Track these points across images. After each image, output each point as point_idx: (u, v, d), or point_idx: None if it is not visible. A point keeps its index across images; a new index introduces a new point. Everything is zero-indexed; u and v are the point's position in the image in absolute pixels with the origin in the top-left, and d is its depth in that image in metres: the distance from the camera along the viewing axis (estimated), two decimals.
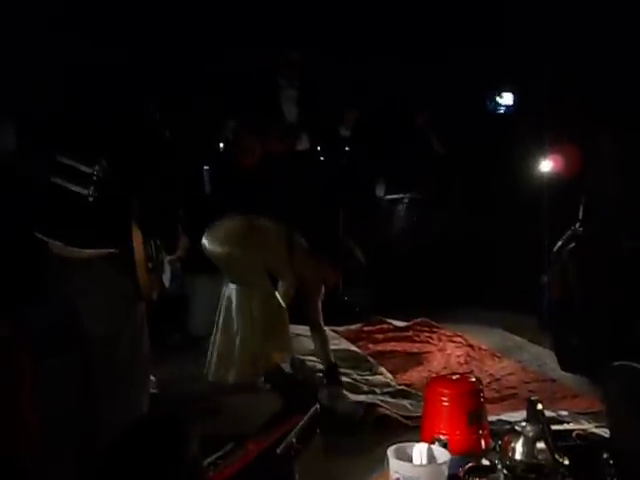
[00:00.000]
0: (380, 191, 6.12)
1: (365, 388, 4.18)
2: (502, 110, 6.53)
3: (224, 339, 4.33)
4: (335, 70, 5.76)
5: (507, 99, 6.56)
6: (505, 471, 2.44)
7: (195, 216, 4.96)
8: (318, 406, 3.16)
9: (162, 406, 3.50)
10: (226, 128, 5.36)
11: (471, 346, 5.05)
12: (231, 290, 4.39)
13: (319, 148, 5.80)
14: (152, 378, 3.43)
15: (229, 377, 4.24)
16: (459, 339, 5.18)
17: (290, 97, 5.63)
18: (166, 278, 3.04)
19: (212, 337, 4.40)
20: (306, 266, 4.29)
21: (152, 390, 3.76)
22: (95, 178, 2.48)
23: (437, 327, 5.46)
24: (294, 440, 2.91)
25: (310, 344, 4.40)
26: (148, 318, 2.91)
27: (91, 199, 2.49)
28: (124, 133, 2.64)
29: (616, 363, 2.71)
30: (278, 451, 2.84)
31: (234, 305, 4.33)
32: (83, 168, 2.48)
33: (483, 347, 5.05)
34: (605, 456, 2.66)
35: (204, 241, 4.34)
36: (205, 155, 5.39)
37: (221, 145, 5.44)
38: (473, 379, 3.46)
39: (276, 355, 4.29)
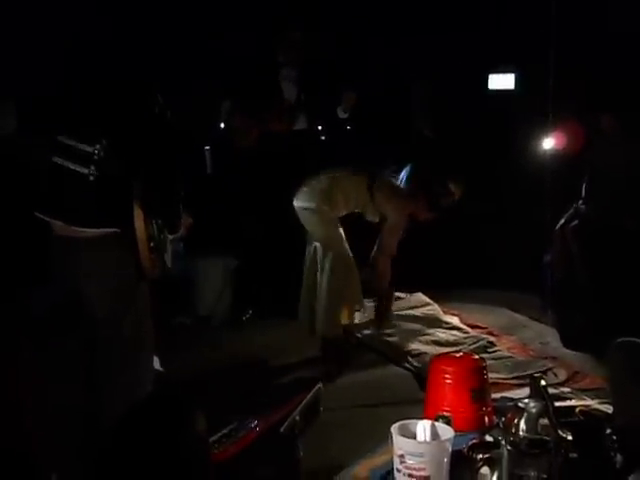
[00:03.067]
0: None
1: None
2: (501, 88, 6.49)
3: (308, 296, 4.63)
4: (335, 50, 5.72)
5: (509, 79, 6.51)
6: (509, 447, 2.44)
7: (196, 195, 4.99)
8: (321, 385, 3.18)
9: (167, 385, 3.52)
10: (224, 107, 5.34)
11: (468, 325, 5.04)
12: (312, 247, 4.63)
13: (320, 128, 5.77)
14: (155, 357, 3.43)
15: (316, 330, 4.49)
16: (455, 318, 5.18)
17: (289, 76, 5.59)
18: (168, 257, 3.04)
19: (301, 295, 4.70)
20: (390, 205, 4.58)
21: (157, 368, 3.80)
22: (96, 157, 2.48)
23: (430, 303, 5.45)
24: (298, 418, 2.93)
25: None
26: (152, 297, 2.92)
27: (92, 178, 2.49)
28: (125, 112, 2.63)
29: (619, 340, 2.71)
30: (282, 430, 2.85)
31: (317, 260, 4.55)
32: (84, 147, 2.47)
33: (480, 325, 5.05)
34: (608, 432, 2.67)
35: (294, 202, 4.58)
36: (206, 134, 5.37)
37: (221, 125, 5.41)
38: (476, 357, 3.47)
39: (351, 308, 4.54)
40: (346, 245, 4.49)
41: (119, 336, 2.71)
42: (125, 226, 2.66)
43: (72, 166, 2.48)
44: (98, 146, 2.48)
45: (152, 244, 2.79)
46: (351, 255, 4.49)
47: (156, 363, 3.76)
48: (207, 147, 5.32)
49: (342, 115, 5.79)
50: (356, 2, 5.94)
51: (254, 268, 5.47)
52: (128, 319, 2.75)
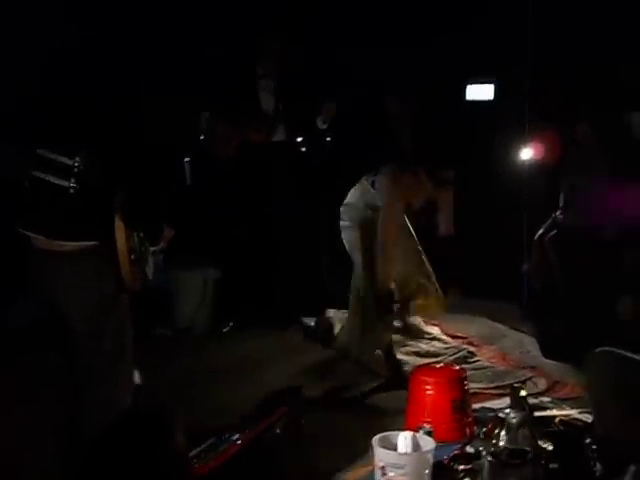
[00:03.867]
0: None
1: None
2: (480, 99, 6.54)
3: None
4: (314, 61, 5.73)
5: (488, 89, 6.57)
6: (489, 457, 2.46)
7: (177, 207, 4.97)
8: (303, 397, 3.18)
9: (147, 398, 3.49)
10: (203, 118, 5.33)
11: (449, 335, 5.06)
12: None
13: (300, 139, 5.77)
14: (135, 370, 3.41)
15: None
16: (435, 328, 5.19)
17: (267, 87, 5.60)
18: (149, 270, 3.03)
19: None
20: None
21: (138, 381, 3.77)
22: (76, 170, 2.46)
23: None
24: (279, 431, 2.92)
25: None
26: (132, 309, 2.90)
27: (72, 191, 2.48)
28: (105, 124, 2.62)
29: (598, 349, 2.73)
30: (264, 442, 2.85)
31: None
32: (64, 160, 2.46)
33: (460, 335, 5.07)
34: (588, 441, 2.69)
35: None
36: (186, 146, 5.36)
37: (201, 137, 5.40)
38: (457, 368, 3.48)
39: None
40: None
41: (100, 349, 2.69)
42: (106, 239, 2.64)
43: (52, 179, 2.47)
44: (78, 158, 2.47)
45: (133, 256, 2.78)
46: None
47: (136, 376, 3.73)
48: (187, 159, 5.31)
49: (322, 126, 5.80)
50: (334, 13, 5.96)
51: (235, 279, 5.46)
52: (109, 332, 2.73)
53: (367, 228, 4.36)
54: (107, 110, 2.66)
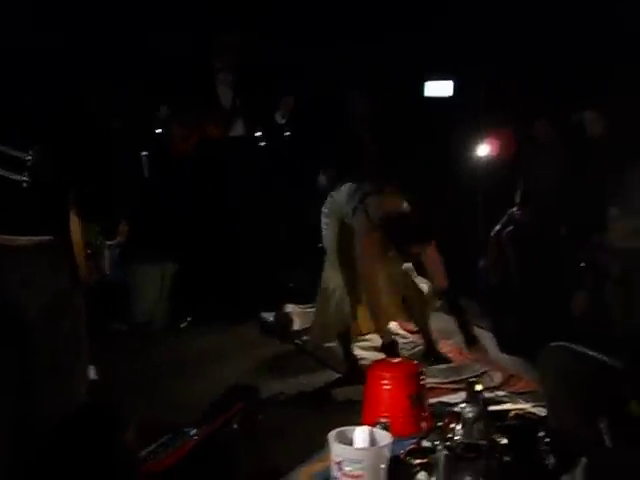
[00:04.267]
0: (321, 179, 6.10)
1: None
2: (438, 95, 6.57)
3: None
4: (272, 54, 5.71)
5: (445, 86, 6.61)
6: (445, 451, 2.47)
7: (134, 201, 4.91)
8: (260, 392, 3.18)
9: (102, 394, 3.46)
10: (160, 112, 5.27)
11: (407, 330, 5.08)
12: None
13: (259, 134, 5.75)
14: (90, 366, 3.37)
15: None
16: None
17: (225, 81, 5.55)
18: (106, 264, 2.99)
19: None
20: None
21: (93, 377, 3.73)
22: (29, 164, 2.42)
23: None
24: (236, 426, 2.91)
25: None
26: (88, 304, 2.87)
27: (26, 185, 2.43)
28: (58, 117, 2.58)
29: (552, 344, 2.77)
30: (220, 438, 2.84)
31: None
32: (16, 154, 2.42)
33: (418, 330, 5.09)
34: (541, 434, 2.73)
35: None
36: (143, 139, 5.30)
37: (158, 130, 5.35)
38: (414, 362, 3.51)
39: None
40: None
41: (54, 345, 2.65)
42: (61, 233, 2.60)
43: (4, 173, 2.42)
44: (31, 152, 2.43)
45: (89, 250, 2.74)
46: None
47: (92, 372, 3.69)
48: (144, 153, 5.25)
49: (280, 121, 5.78)
50: (293, 6, 5.94)
51: (193, 274, 5.42)
52: (64, 328, 2.69)
53: (346, 231, 4.36)
54: (60, 103, 2.62)
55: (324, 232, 4.51)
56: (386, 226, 4.06)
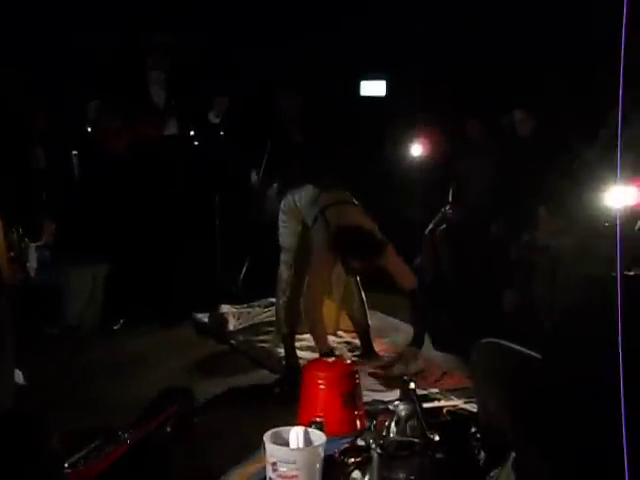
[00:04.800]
0: (253, 177, 6.08)
1: None
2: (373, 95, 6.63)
3: None
4: (205, 53, 5.67)
5: (379, 86, 6.67)
6: (379, 450, 2.49)
7: (61, 200, 4.80)
8: (193, 394, 3.14)
9: (30, 399, 3.38)
10: (91, 107, 5.17)
11: (342, 329, 5.10)
12: None
13: (192, 133, 5.70)
14: (18, 371, 3.30)
15: None
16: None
17: (158, 80, 5.49)
18: (31, 267, 2.93)
19: None
20: None
21: (21, 382, 3.64)
22: None
23: None
24: (169, 429, 2.88)
25: None
26: (15, 308, 2.80)
27: None
28: None
29: (482, 340, 2.82)
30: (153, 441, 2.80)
31: None
32: None
33: (353, 329, 5.11)
34: (473, 430, 2.77)
35: None
36: (71, 138, 5.18)
37: (88, 129, 5.25)
38: (348, 361, 3.52)
39: None
40: None
41: None
42: None
43: None
44: None
45: (12, 253, 2.68)
46: None
47: (19, 377, 3.61)
48: (74, 151, 5.13)
49: (214, 120, 5.74)
50: (227, 5, 5.91)
51: (126, 275, 5.33)
52: None
53: (306, 232, 4.33)
54: None
55: (281, 229, 4.45)
56: (347, 241, 4.02)
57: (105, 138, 5.04)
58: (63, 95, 4.81)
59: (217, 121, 5.73)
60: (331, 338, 4.87)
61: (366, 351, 4.61)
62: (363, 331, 4.68)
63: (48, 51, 4.52)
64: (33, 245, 2.90)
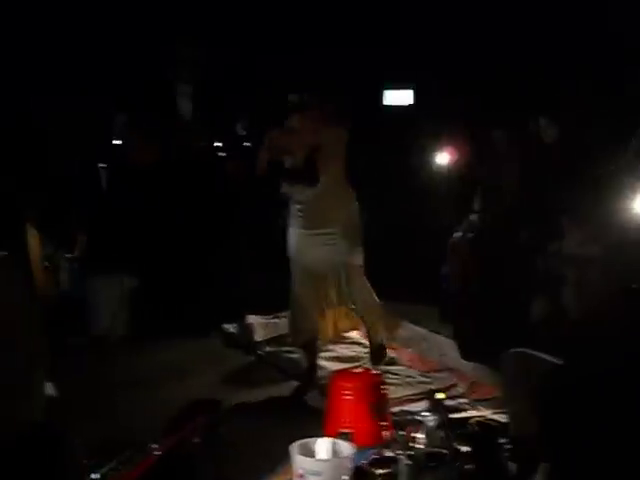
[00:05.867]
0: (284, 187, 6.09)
1: None
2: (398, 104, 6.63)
3: None
4: (232, 66, 5.70)
5: (407, 95, 6.67)
6: (407, 461, 2.48)
7: (92, 214, 4.85)
8: (222, 405, 3.15)
9: (61, 411, 3.40)
10: (118, 121, 5.22)
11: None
12: None
13: (219, 144, 5.73)
14: (49, 383, 3.31)
15: None
16: (355, 332, 5.20)
17: (185, 93, 5.53)
18: (64, 277, 2.96)
19: None
20: None
21: (51, 394, 3.66)
22: None
23: None
24: (197, 440, 2.88)
25: None
26: (46, 319, 2.82)
27: None
28: (8, 133, 2.55)
29: (511, 350, 2.79)
30: (182, 453, 2.81)
31: None
32: None
33: None
34: (502, 441, 2.75)
35: None
36: (101, 152, 5.23)
37: (116, 141, 5.30)
38: (374, 372, 3.51)
39: None
40: None
41: (11, 361, 2.60)
42: (17, 248, 2.56)
43: None
44: None
45: (47, 264, 2.71)
46: None
47: (49, 388, 3.63)
48: (102, 165, 5.18)
49: (241, 132, 5.77)
50: (253, 18, 5.94)
51: (154, 286, 5.37)
52: (20, 343, 2.64)
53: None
54: (11, 118, 2.59)
55: (290, 242, 4.42)
56: None
57: (132, 151, 5.08)
58: (92, 109, 4.85)
59: (244, 133, 5.75)
60: (357, 348, 4.88)
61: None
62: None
63: (76, 66, 4.57)
64: (66, 257, 2.93)
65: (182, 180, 5.37)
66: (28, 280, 2.63)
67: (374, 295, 4.52)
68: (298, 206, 4.31)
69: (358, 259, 4.48)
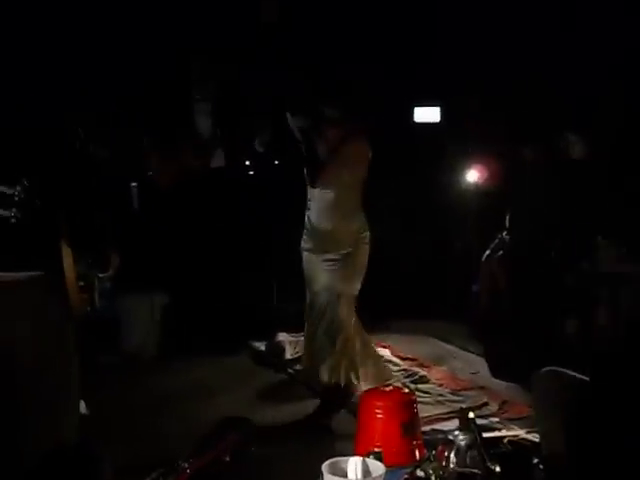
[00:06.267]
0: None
1: None
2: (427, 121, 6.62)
3: None
4: (251, 83, 5.71)
5: (434, 112, 6.66)
6: None
7: (124, 232, 4.90)
8: (252, 424, 3.15)
9: (93, 428, 3.43)
10: (145, 143, 5.27)
11: (399, 357, 5.06)
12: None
13: (247, 163, 5.76)
14: (82, 402, 3.35)
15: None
16: (386, 350, 5.18)
17: (204, 111, 5.55)
18: (97, 296, 2.99)
19: None
20: None
21: (83, 412, 3.70)
22: (17, 199, 2.43)
23: None
24: (228, 459, 2.89)
25: None
26: (79, 337, 2.85)
27: (14, 221, 2.44)
28: (45, 151, 2.59)
29: (544, 369, 2.77)
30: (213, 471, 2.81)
31: None
32: (4, 189, 2.42)
33: (410, 357, 5.08)
34: (535, 461, 2.72)
35: None
36: (132, 171, 5.29)
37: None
38: (406, 390, 3.49)
39: None
40: None
41: (45, 379, 2.64)
42: (52, 266, 2.60)
43: None
44: (19, 187, 2.43)
45: (82, 283, 2.74)
46: None
47: (82, 406, 3.67)
48: (134, 184, 5.25)
49: (259, 149, 5.78)
50: (278, 35, 5.96)
51: (184, 305, 5.41)
52: (54, 362, 2.68)
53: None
54: (47, 139, 2.63)
55: (305, 265, 4.30)
56: None
57: (156, 173, 5.13)
58: (119, 127, 4.91)
59: (262, 150, 5.76)
60: (388, 366, 4.86)
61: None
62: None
63: (101, 83, 4.61)
64: (100, 275, 2.97)
65: (205, 199, 5.40)
66: (64, 299, 2.66)
67: (351, 330, 4.22)
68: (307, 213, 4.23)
69: (354, 289, 4.24)
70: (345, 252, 4.12)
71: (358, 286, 4.24)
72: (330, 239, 4.15)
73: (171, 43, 5.45)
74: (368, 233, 4.24)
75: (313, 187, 4.15)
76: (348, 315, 4.19)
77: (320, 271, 4.18)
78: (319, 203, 4.16)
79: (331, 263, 4.14)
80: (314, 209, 4.20)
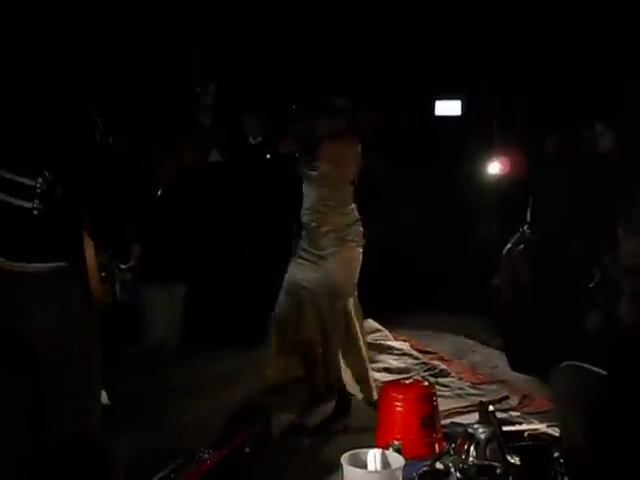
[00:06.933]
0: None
1: None
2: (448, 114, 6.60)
3: None
4: (250, 77, 5.70)
5: (455, 105, 6.64)
6: (458, 474, 2.46)
7: (145, 224, 4.91)
8: (272, 415, 3.17)
9: (114, 419, 3.46)
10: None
11: (419, 350, 5.05)
12: None
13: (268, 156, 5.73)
14: (104, 392, 3.37)
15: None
16: (405, 344, 5.17)
17: (204, 105, 5.53)
18: (119, 287, 3.00)
19: None
20: None
21: (105, 402, 3.73)
22: (39, 190, 2.43)
23: (380, 330, 5.42)
24: (248, 450, 2.90)
25: None
26: (101, 328, 2.87)
27: (36, 212, 2.45)
28: (66, 143, 2.60)
29: (564, 363, 2.76)
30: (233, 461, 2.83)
31: None
32: (25, 181, 2.43)
33: (430, 350, 5.07)
34: (556, 455, 2.71)
35: None
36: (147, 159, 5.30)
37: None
38: (426, 384, 3.49)
39: None
40: None
41: (68, 370, 2.66)
42: (74, 257, 2.61)
43: (14, 201, 2.43)
44: (40, 179, 2.44)
45: (103, 274, 2.75)
46: None
47: (103, 397, 3.69)
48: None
49: (252, 141, 5.76)
50: (288, 27, 5.94)
51: (204, 296, 5.43)
52: (77, 352, 2.69)
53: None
54: (67, 128, 2.64)
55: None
56: None
57: (157, 167, 5.12)
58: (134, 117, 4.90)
59: (255, 142, 5.75)
60: (408, 360, 4.86)
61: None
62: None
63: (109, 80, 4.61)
64: (121, 266, 2.96)
65: (225, 189, 5.40)
66: (86, 290, 2.67)
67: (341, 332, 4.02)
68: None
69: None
70: (330, 251, 3.99)
71: (349, 287, 4.05)
72: (315, 235, 4.04)
73: (169, 38, 5.44)
74: (360, 231, 4.08)
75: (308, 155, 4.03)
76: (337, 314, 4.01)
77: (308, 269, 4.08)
78: (305, 198, 4.09)
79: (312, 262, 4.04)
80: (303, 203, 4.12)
